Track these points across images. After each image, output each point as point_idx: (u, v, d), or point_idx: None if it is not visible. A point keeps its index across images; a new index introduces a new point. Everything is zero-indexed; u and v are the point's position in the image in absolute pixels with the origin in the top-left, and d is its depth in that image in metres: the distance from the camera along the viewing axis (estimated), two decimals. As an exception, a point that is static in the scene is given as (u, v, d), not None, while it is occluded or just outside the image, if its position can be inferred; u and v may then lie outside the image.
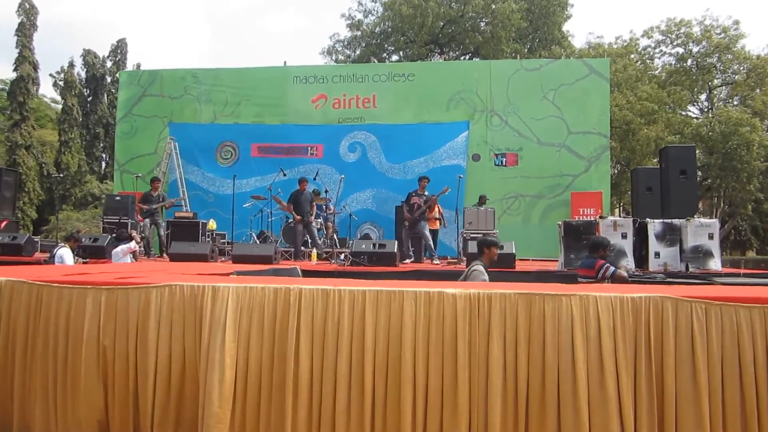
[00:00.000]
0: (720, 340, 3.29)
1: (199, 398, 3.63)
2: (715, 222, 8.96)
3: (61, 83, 37.10)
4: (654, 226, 8.77)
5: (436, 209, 12.17)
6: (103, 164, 39.28)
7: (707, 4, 58.70)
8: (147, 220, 12.03)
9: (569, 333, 3.38)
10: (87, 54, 38.06)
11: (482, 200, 13.04)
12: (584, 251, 8.92)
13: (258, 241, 12.55)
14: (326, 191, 13.19)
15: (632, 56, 28.19)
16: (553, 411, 3.38)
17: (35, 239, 11.72)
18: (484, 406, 3.44)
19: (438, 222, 12.10)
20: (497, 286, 3.71)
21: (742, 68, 26.70)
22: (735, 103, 27.63)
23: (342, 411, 3.54)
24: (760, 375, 3.26)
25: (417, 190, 11.17)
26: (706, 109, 29.13)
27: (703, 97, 29.52)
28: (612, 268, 6.64)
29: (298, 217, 11.33)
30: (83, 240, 10.10)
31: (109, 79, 38.24)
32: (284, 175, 13.34)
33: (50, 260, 9.16)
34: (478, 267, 6.50)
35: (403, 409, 3.47)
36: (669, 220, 8.84)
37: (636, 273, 8.19)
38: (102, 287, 3.80)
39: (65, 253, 9.01)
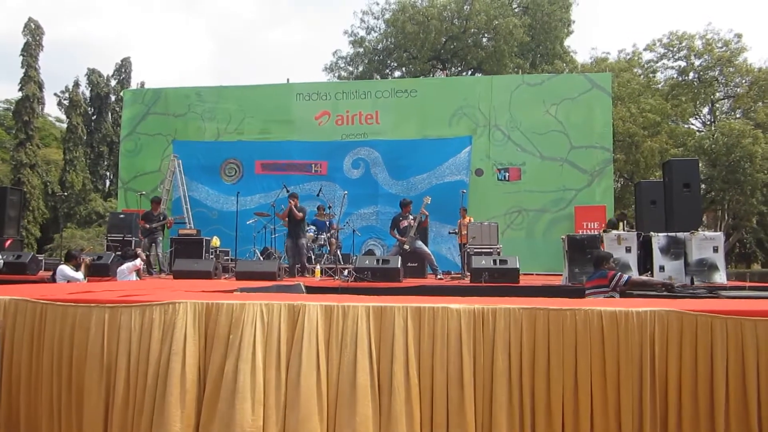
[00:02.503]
0: (724, 354, 3.27)
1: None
2: (719, 235, 8.93)
3: (66, 102, 37.39)
4: (658, 239, 8.75)
5: (469, 220, 12.19)
6: (108, 182, 39.50)
7: (709, 17, 59.06)
8: (146, 239, 12.07)
9: (573, 347, 3.37)
10: (91, 73, 38.39)
11: (621, 217, 12.16)
12: (589, 265, 8.91)
13: (262, 258, 12.54)
14: (329, 207, 13.20)
15: (635, 70, 28.29)
16: (558, 425, 3.37)
17: (39, 258, 11.73)
18: (489, 422, 3.42)
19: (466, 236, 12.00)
20: (501, 301, 3.70)
21: (744, 81, 26.76)
22: (737, 115, 27.68)
23: (347, 428, 3.52)
24: (763, 389, 3.23)
25: (401, 213, 11.07)
26: (708, 122, 29.17)
27: (705, 110, 29.58)
28: (626, 276, 6.63)
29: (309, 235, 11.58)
30: (84, 258, 10.08)
31: (113, 98, 38.54)
32: (287, 191, 13.37)
33: (51, 279, 9.14)
34: None
35: (409, 425, 3.45)
36: (673, 234, 8.82)
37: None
38: (106, 305, 3.80)
39: (66, 269, 8.98)
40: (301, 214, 11.11)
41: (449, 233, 12.77)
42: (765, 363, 3.24)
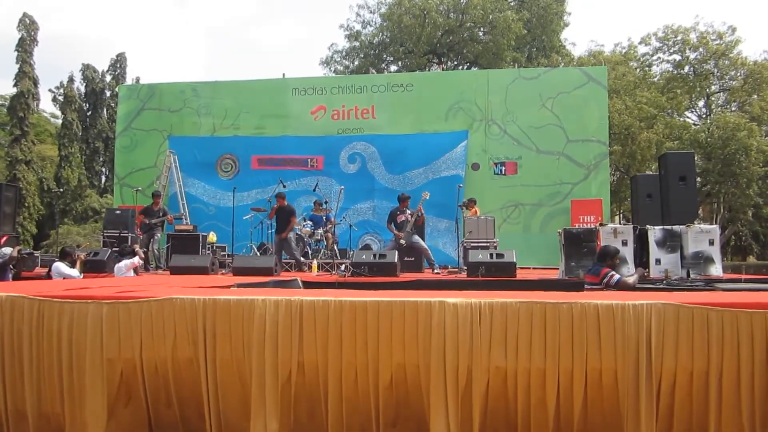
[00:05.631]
0: (720, 346, 3.29)
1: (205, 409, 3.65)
2: (715, 228, 8.96)
3: (61, 98, 37.25)
4: (654, 232, 8.77)
5: (476, 211, 12.22)
6: (103, 178, 39.39)
7: (705, 10, 59.06)
8: (145, 235, 12.05)
9: (570, 341, 3.38)
10: (86, 69, 38.23)
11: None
12: (585, 259, 8.93)
13: (258, 253, 12.54)
14: (326, 202, 13.20)
15: (631, 63, 28.30)
16: (554, 418, 3.38)
17: (36, 254, 11.71)
18: (485, 415, 3.44)
19: None
20: (498, 294, 3.71)
21: (739, 74, 26.78)
22: (733, 108, 27.73)
23: (346, 420, 3.54)
24: (758, 380, 3.25)
25: (399, 207, 11.11)
26: (704, 116, 29.21)
27: (701, 103, 29.62)
28: (617, 276, 6.63)
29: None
30: (78, 254, 10.07)
31: (108, 94, 38.40)
32: (284, 186, 13.35)
33: (48, 276, 9.12)
34: None
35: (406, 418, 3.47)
36: (669, 227, 8.84)
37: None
38: (102, 301, 3.80)
39: (61, 266, 8.97)
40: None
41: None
42: (759, 355, 3.26)
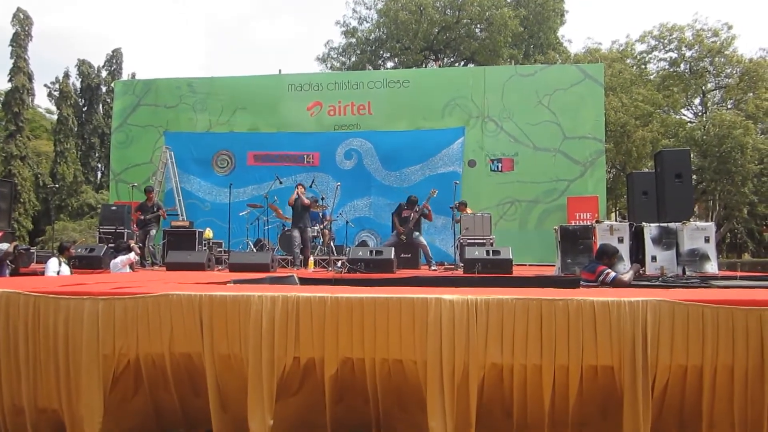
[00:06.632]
0: (715, 343, 3.30)
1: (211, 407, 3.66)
2: (710, 225, 8.97)
3: (56, 93, 37.06)
4: (650, 230, 8.78)
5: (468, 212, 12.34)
6: (99, 174, 39.28)
7: (701, 7, 59.05)
8: (140, 231, 12.05)
9: (566, 337, 3.39)
10: (82, 64, 38.05)
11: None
12: (581, 256, 8.95)
13: (255, 250, 12.53)
14: (323, 198, 13.19)
15: (628, 61, 28.31)
16: (549, 414, 3.39)
17: (31, 250, 11.68)
18: (480, 412, 3.44)
19: None
20: (495, 291, 3.71)
21: (734, 72, 26.82)
22: (729, 106, 27.77)
23: (343, 419, 3.54)
24: (751, 378, 3.26)
25: (406, 204, 11.33)
26: (700, 113, 29.26)
27: (697, 101, 29.65)
28: (612, 274, 6.64)
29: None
30: (79, 250, 10.07)
31: (104, 89, 38.22)
32: (280, 183, 13.34)
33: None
34: None
35: (403, 415, 3.47)
36: (665, 224, 8.85)
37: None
38: (99, 297, 3.79)
39: (50, 264, 8.99)
40: (308, 201, 11.37)
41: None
42: (754, 352, 3.27)
